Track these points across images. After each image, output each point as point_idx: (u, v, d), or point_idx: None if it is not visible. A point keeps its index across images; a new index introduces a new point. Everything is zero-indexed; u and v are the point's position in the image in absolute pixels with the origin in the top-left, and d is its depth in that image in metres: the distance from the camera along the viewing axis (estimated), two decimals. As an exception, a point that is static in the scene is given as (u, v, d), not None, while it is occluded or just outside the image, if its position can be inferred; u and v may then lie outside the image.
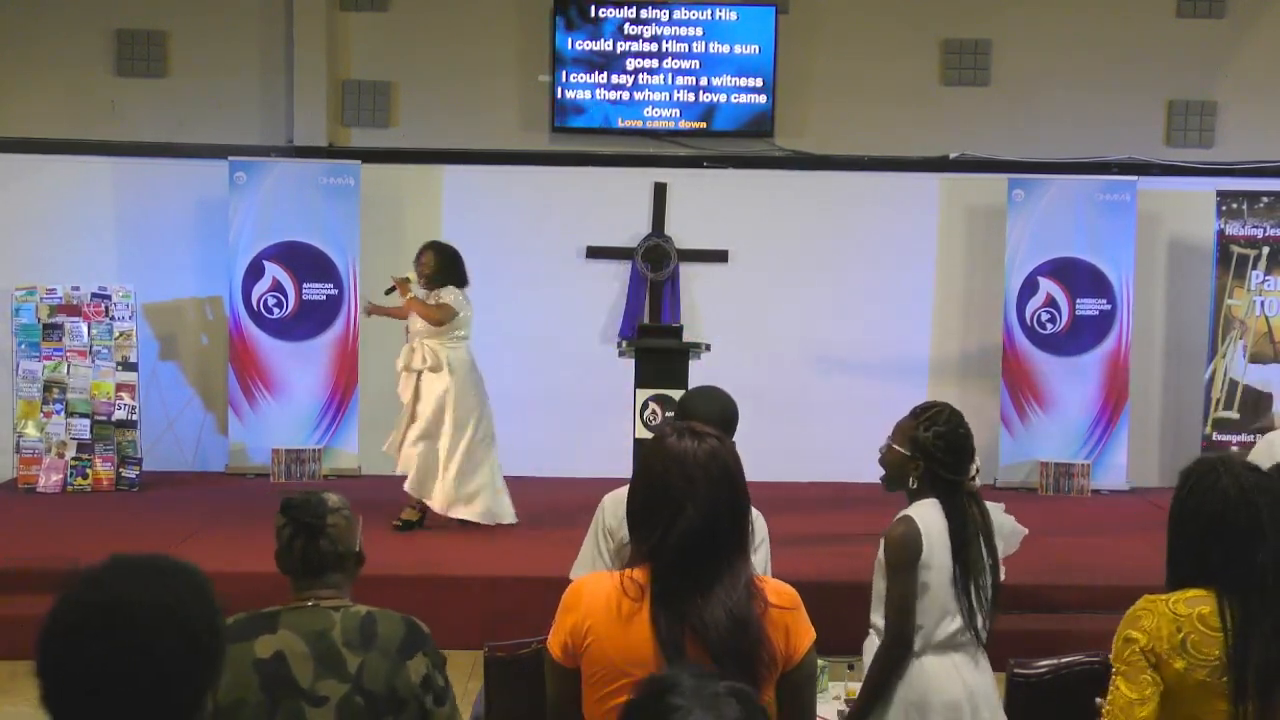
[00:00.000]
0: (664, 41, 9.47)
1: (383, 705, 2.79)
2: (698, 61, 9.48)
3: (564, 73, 9.48)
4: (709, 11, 9.45)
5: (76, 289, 9.01)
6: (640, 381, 6.99)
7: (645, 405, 6.93)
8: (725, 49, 9.46)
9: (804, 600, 2.62)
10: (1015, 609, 6.45)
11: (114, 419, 8.94)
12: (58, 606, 1.75)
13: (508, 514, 7.74)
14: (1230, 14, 9.60)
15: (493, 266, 9.57)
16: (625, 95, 9.52)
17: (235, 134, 9.52)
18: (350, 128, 9.67)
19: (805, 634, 2.58)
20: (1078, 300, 9.36)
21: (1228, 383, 9.25)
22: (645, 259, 9.56)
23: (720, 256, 9.67)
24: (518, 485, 9.15)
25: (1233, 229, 9.22)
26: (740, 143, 9.61)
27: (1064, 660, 3.78)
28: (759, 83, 9.47)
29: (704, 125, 9.55)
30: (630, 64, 9.48)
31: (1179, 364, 9.67)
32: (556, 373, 9.52)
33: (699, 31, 9.47)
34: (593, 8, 9.44)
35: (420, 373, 7.52)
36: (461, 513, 7.58)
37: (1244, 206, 9.21)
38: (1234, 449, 8.45)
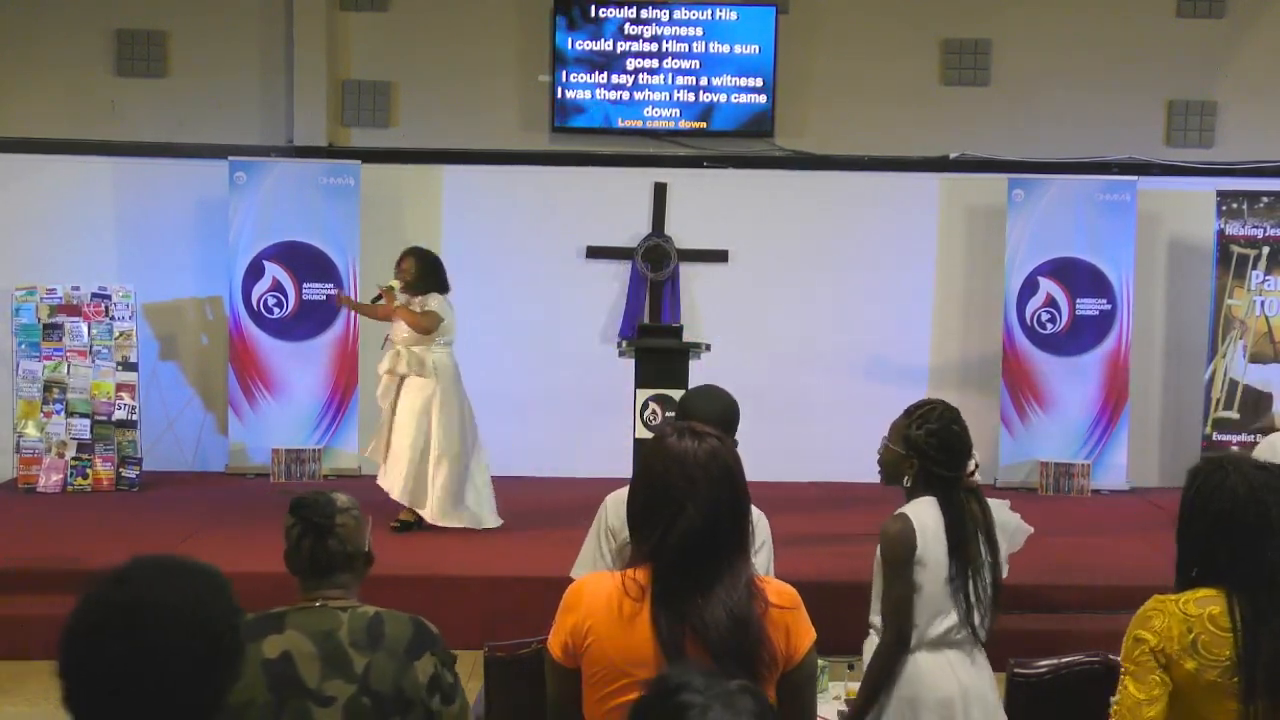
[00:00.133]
0: (664, 41, 9.48)
1: (390, 706, 2.79)
2: (698, 61, 9.48)
3: (564, 73, 9.48)
4: (709, 11, 9.45)
5: (76, 289, 9.01)
6: (640, 381, 6.99)
7: (645, 405, 6.93)
8: (725, 49, 9.46)
9: (804, 600, 2.62)
10: (1015, 609, 6.46)
11: (114, 419, 8.94)
12: (80, 607, 1.75)
13: (492, 519, 7.73)
14: (1230, 14, 9.60)
15: (493, 266, 9.59)
16: (625, 95, 9.52)
17: (235, 134, 9.52)
18: (350, 128, 9.67)
19: (805, 634, 2.58)
20: (1078, 300, 9.36)
21: (1228, 383, 9.25)
22: (645, 259, 9.56)
23: (720, 256, 9.67)
24: (518, 485, 9.17)
25: (1233, 229, 9.22)
26: (740, 143, 9.61)
27: (1064, 660, 3.78)
28: (759, 83, 9.47)
29: (704, 125, 9.55)
30: (630, 64, 9.48)
31: (1179, 364, 9.67)
32: (556, 373, 9.52)
33: (699, 31, 9.47)
34: (593, 8, 9.44)
35: (404, 378, 7.50)
36: (453, 521, 7.58)
37: (1244, 206, 9.21)
38: (1234, 449, 8.44)
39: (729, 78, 9.48)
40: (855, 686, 3.73)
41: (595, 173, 9.61)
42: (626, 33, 9.47)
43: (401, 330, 7.54)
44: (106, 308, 8.99)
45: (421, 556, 7.00)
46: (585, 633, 2.53)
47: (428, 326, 7.47)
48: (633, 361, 7.11)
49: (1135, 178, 9.40)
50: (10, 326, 8.98)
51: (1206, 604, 2.78)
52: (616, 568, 2.62)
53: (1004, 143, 9.59)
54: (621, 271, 9.63)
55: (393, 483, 7.50)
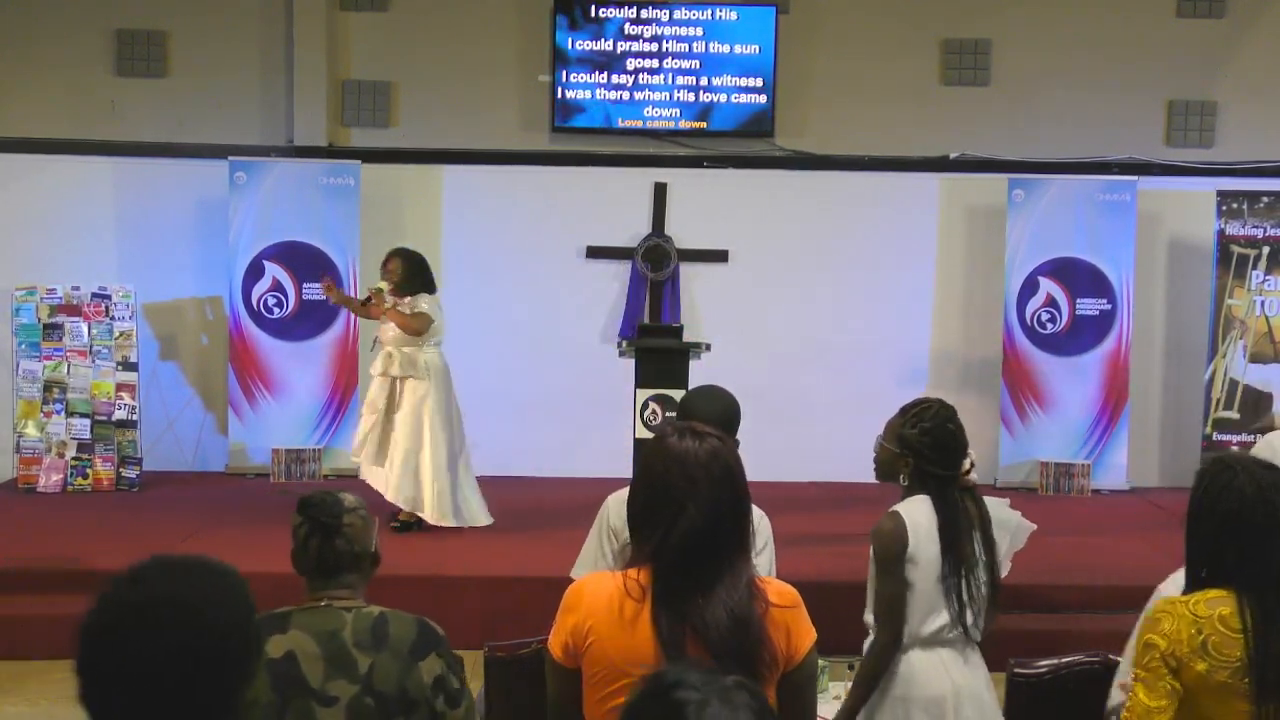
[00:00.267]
0: (664, 41, 9.48)
1: (394, 706, 2.78)
2: (698, 61, 9.48)
3: (564, 72, 9.48)
4: (709, 11, 9.45)
5: (76, 289, 9.01)
6: (640, 381, 7.00)
7: (645, 405, 6.93)
8: (725, 49, 9.46)
9: (804, 600, 2.62)
10: (1015, 609, 6.46)
11: (114, 419, 8.94)
12: (98, 605, 1.76)
13: (485, 516, 7.73)
14: (1230, 14, 9.60)
15: (493, 266, 9.60)
16: (625, 95, 9.52)
17: (235, 134, 9.52)
18: (350, 128, 9.67)
19: (806, 634, 2.58)
20: (1078, 300, 9.36)
21: (1228, 383, 9.25)
22: (645, 259, 9.57)
23: (720, 256, 9.67)
24: (518, 485, 9.17)
25: (1233, 229, 9.22)
26: (740, 143, 9.61)
27: (1064, 660, 3.78)
28: (759, 83, 9.47)
29: (704, 125, 9.55)
30: (630, 64, 9.48)
31: (1179, 364, 9.67)
32: (556, 373, 9.52)
33: (699, 31, 9.47)
34: (593, 8, 9.44)
35: (398, 380, 7.47)
36: (453, 521, 7.58)
37: (1244, 206, 9.21)
38: (1234, 449, 8.44)
39: (729, 78, 9.48)
40: (855, 686, 3.73)
41: (595, 173, 9.61)
42: (627, 33, 9.47)
43: (390, 331, 7.49)
44: (106, 308, 8.99)
45: (421, 556, 7.00)
46: (586, 633, 2.53)
47: (419, 328, 7.45)
48: (633, 361, 7.11)
49: (1135, 178, 9.40)
50: (10, 326, 8.98)
51: (1216, 605, 2.78)
52: (618, 568, 2.62)
53: (1004, 143, 9.59)
54: (621, 271, 9.63)
55: (394, 488, 7.47)
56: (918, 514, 3.48)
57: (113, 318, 8.99)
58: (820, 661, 3.33)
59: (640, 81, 9.51)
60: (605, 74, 9.49)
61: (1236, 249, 9.23)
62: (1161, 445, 9.64)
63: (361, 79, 9.64)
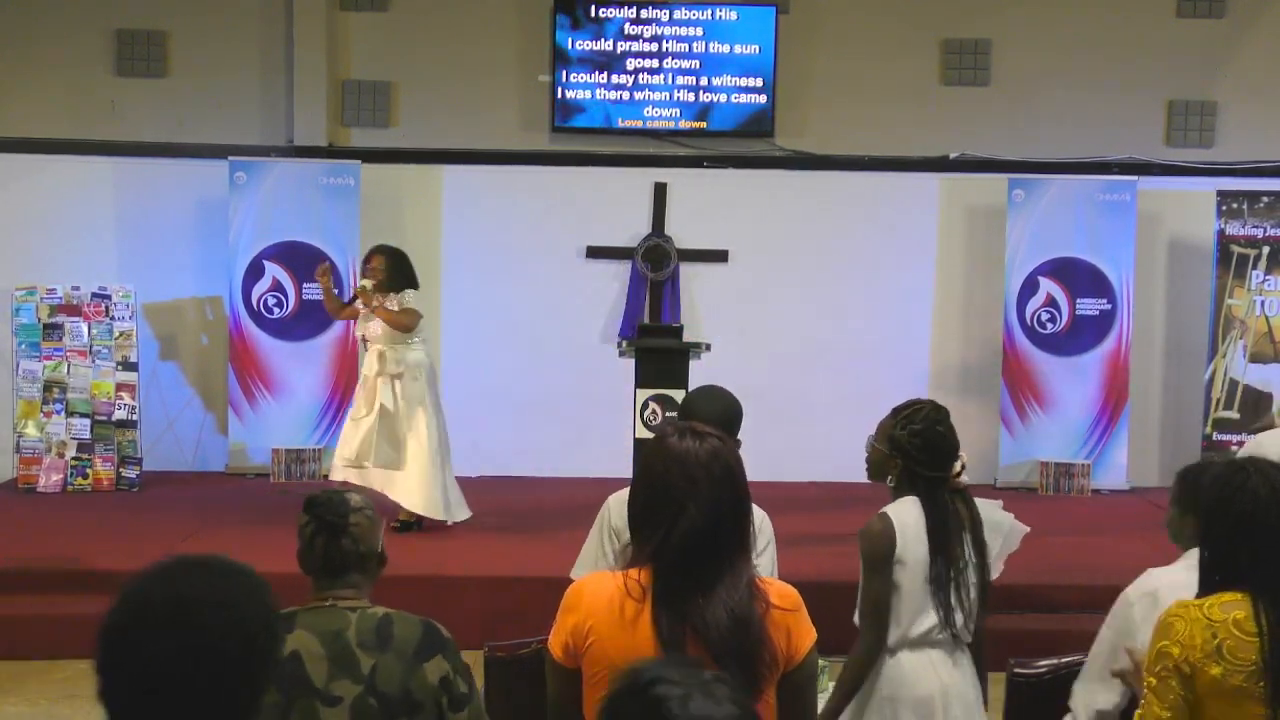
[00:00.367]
0: (664, 41, 9.48)
1: (397, 707, 2.78)
2: (698, 61, 9.48)
3: (564, 72, 9.48)
4: (709, 11, 9.45)
5: (76, 289, 9.01)
6: (640, 381, 6.99)
7: (645, 405, 6.93)
8: (725, 49, 9.46)
9: (804, 600, 2.62)
10: (1015, 609, 6.46)
11: (114, 419, 8.94)
12: (120, 603, 1.75)
13: (465, 510, 7.70)
14: (1230, 14, 9.60)
15: (493, 266, 9.60)
16: (625, 95, 9.52)
17: (235, 134, 9.52)
18: (350, 128, 9.67)
19: (806, 635, 2.58)
20: (1078, 300, 9.36)
21: (1228, 383, 9.25)
22: (645, 259, 9.57)
23: (720, 256, 9.67)
24: (518, 485, 9.18)
25: (1233, 229, 9.22)
26: (740, 143, 9.61)
27: (1064, 660, 3.77)
28: (759, 83, 9.47)
29: (704, 125, 9.55)
30: (630, 64, 9.48)
31: (1179, 364, 9.67)
32: (556, 373, 9.52)
33: (699, 31, 9.47)
34: (593, 8, 9.44)
35: (392, 379, 7.39)
36: (459, 516, 7.58)
37: (1244, 206, 9.21)
38: (1234, 449, 8.44)
39: (729, 78, 9.48)
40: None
41: (595, 173, 9.61)
42: (627, 33, 9.47)
43: (376, 330, 7.40)
44: (106, 308, 8.99)
45: (421, 556, 7.00)
46: (586, 633, 2.53)
47: (409, 325, 7.39)
48: (633, 361, 7.10)
49: (1135, 178, 9.40)
50: (10, 326, 8.98)
51: (1231, 608, 2.77)
52: (620, 568, 2.62)
53: (1004, 143, 9.59)
54: (621, 271, 9.63)
55: (416, 493, 7.43)
56: (906, 515, 3.48)
57: (113, 318, 8.99)
58: (820, 661, 3.33)
59: (640, 81, 9.51)
60: (605, 74, 9.49)
61: (1236, 249, 9.23)
62: (1161, 445, 9.64)
63: (361, 79, 9.64)
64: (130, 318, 9.02)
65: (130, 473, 8.93)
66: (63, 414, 8.90)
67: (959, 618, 3.46)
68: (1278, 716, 2.72)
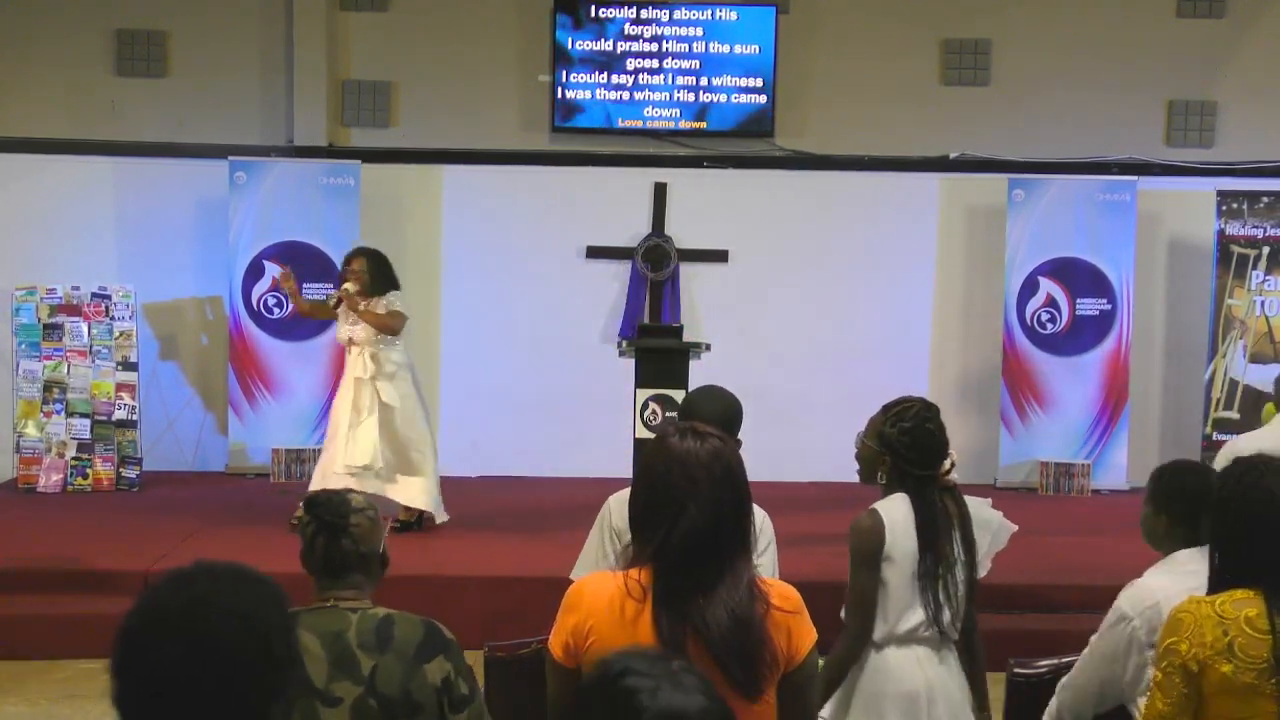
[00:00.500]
0: (664, 41, 9.48)
1: (397, 709, 2.78)
2: (698, 61, 9.48)
3: (564, 72, 9.48)
4: (709, 11, 9.45)
5: (76, 289, 9.01)
6: (640, 381, 6.99)
7: (645, 405, 6.92)
8: (725, 49, 9.46)
9: (805, 600, 2.62)
10: (1015, 609, 6.47)
11: (114, 419, 8.94)
12: (141, 606, 1.74)
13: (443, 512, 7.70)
14: (1230, 14, 9.60)
15: (493, 266, 9.60)
16: (625, 95, 9.52)
17: (235, 134, 9.52)
18: (350, 128, 9.67)
19: (807, 636, 2.58)
20: (1078, 300, 9.36)
21: (1228, 383, 9.24)
22: (645, 259, 9.57)
23: (720, 256, 9.67)
24: (518, 485, 9.18)
25: (1233, 229, 9.22)
26: (740, 143, 9.61)
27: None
28: (759, 83, 9.47)
29: (704, 125, 9.55)
30: (631, 64, 9.48)
31: (1179, 364, 9.67)
32: (556, 373, 9.52)
33: (699, 31, 9.47)
34: (593, 8, 9.44)
35: (387, 380, 7.34)
36: (444, 515, 7.57)
37: (1244, 206, 9.21)
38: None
39: (729, 78, 9.48)
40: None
41: (595, 173, 9.61)
42: (627, 33, 9.47)
43: (360, 332, 7.33)
44: (106, 308, 8.99)
45: (421, 556, 6.99)
46: (587, 633, 2.52)
47: (396, 327, 7.34)
48: (633, 361, 7.10)
49: (1135, 178, 9.40)
50: (10, 326, 8.98)
51: (1243, 606, 2.78)
52: (621, 568, 2.62)
53: (1004, 143, 9.59)
54: (621, 271, 9.63)
55: (425, 493, 7.43)
56: (895, 512, 3.49)
57: (113, 318, 8.99)
58: (820, 661, 3.34)
59: (640, 81, 9.51)
60: (605, 74, 9.49)
61: (1236, 249, 9.23)
62: (1161, 445, 9.63)
63: (361, 79, 9.64)
64: (130, 318, 9.02)
65: (130, 473, 8.93)
66: (63, 414, 8.90)
67: (946, 615, 3.46)
68: None
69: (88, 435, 8.90)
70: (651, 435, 6.25)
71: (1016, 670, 3.80)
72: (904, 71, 9.62)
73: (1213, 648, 2.74)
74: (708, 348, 7.18)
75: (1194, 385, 9.42)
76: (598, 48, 9.49)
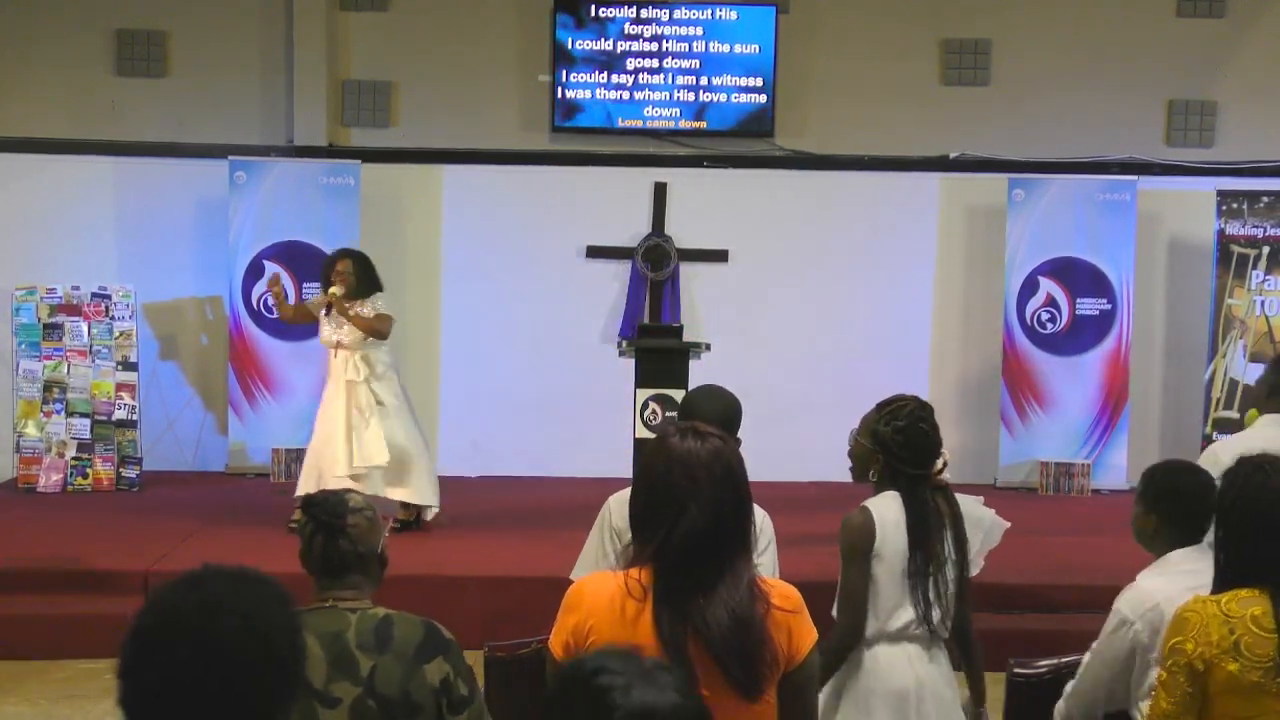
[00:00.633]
0: (664, 41, 9.48)
1: (396, 709, 2.77)
2: (698, 61, 9.48)
3: (564, 72, 9.48)
4: (709, 11, 9.45)
5: (76, 289, 9.01)
6: (640, 381, 6.99)
7: (645, 405, 6.92)
8: (725, 49, 9.46)
9: (805, 600, 2.62)
10: (1015, 609, 6.47)
11: (114, 419, 8.94)
12: (145, 609, 1.73)
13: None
14: (1230, 14, 9.60)
15: (493, 266, 9.60)
16: (625, 95, 9.52)
17: (235, 134, 9.52)
18: (350, 128, 9.67)
19: (808, 635, 2.58)
20: (1078, 300, 9.36)
21: (1228, 382, 9.24)
22: (645, 259, 9.57)
23: (720, 256, 9.67)
24: (518, 485, 9.18)
25: (1233, 229, 9.22)
26: (740, 142, 9.61)
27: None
28: (759, 82, 9.47)
29: (704, 125, 9.55)
30: (631, 63, 9.49)
31: (1179, 364, 9.67)
32: (556, 373, 9.52)
33: (699, 31, 9.47)
34: (593, 7, 9.44)
35: (380, 381, 7.31)
36: (436, 506, 7.58)
37: (1244, 206, 9.21)
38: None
39: (729, 77, 9.48)
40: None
41: (595, 173, 9.61)
42: (627, 32, 9.47)
43: (348, 335, 7.27)
44: (106, 308, 8.99)
45: (421, 556, 6.99)
46: (587, 632, 2.52)
47: (385, 331, 7.31)
48: (633, 361, 7.10)
49: (1135, 178, 9.40)
50: (10, 326, 8.98)
51: (1248, 604, 2.78)
52: (621, 568, 2.62)
53: (1004, 143, 9.59)
54: (621, 271, 9.63)
55: (419, 490, 7.42)
56: (887, 510, 3.50)
57: (113, 318, 9.00)
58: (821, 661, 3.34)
59: (640, 81, 9.51)
60: (605, 74, 9.49)
61: (1236, 249, 9.23)
62: (1161, 445, 9.63)
63: (361, 79, 9.64)
64: (130, 318, 9.03)
65: (130, 473, 8.93)
66: (63, 414, 8.90)
67: (936, 613, 3.47)
68: None
69: (88, 435, 8.90)
70: (651, 435, 6.25)
71: (1016, 670, 3.80)
72: (904, 71, 9.62)
73: (1219, 646, 2.75)
74: (708, 348, 7.18)
75: (1194, 385, 9.42)
76: (598, 47, 9.49)
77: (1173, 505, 3.37)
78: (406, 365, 9.48)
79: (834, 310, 9.64)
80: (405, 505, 7.52)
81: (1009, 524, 3.72)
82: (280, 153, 9.51)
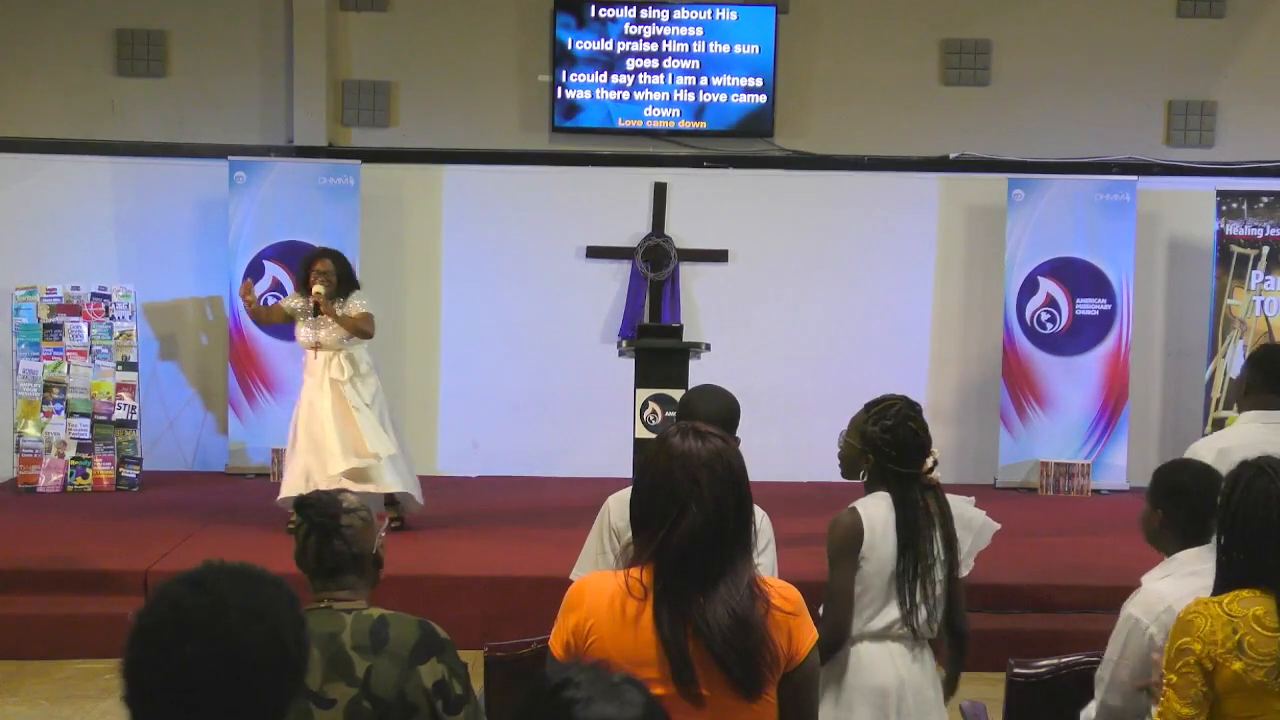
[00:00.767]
0: (664, 41, 9.48)
1: (392, 710, 2.77)
2: (698, 61, 9.49)
3: (564, 72, 9.48)
4: (709, 11, 9.45)
5: (76, 289, 9.01)
6: (640, 381, 6.99)
7: (645, 405, 6.92)
8: (725, 49, 9.46)
9: (805, 599, 2.63)
10: (1015, 609, 6.47)
11: (114, 419, 8.94)
12: (151, 608, 1.73)
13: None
14: (1230, 14, 9.60)
15: (493, 266, 9.60)
16: (625, 95, 9.52)
17: (235, 134, 9.52)
18: (350, 128, 9.67)
19: (808, 635, 2.58)
20: (1078, 300, 9.36)
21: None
22: (645, 259, 9.57)
23: (720, 256, 9.67)
24: (518, 485, 9.17)
25: (1233, 229, 9.22)
26: (740, 142, 9.61)
27: (1064, 660, 3.78)
28: (759, 83, 9.47)
29: (704, 125, 9.55)
30: (631, 64, 9.49)
31: (1179, 364, 9.67)
32: (556, 373, 9.52)
33: (699, 31, 9.47)
34: (593, 8, 9.44)
35: (357, 381, 7.27)
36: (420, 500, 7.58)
37: (1244, 206, 9.21)
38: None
39: (729, 78, 9.48)
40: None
41: (595, 173, 9.61)
42: (627, 33, 9.47)
43: (331, 334, 7.24)
44: (106, 308, 8.99)
45: (421, 556, 6.99)
46: (587, 632, 2.52)
47: (370, 330, 7.29)
48: (633, 361, 7.10)
49: (1135, 178, 9.40)
50: (10, 326, 8.98)
51: (1250, 604, 2.80)
52: (620, 568, 2.62)
53: (1004, 143, 9.59)
54: (621, 271, 9.63)
55: (404, 482, 7.43)
56: (875, 511, 3.50)
57: (113, 318, 8.99)
58: (821, 661, 3.34)
59: (640, 81, 9.51)
60: (605, 74, 9.49)
61: (1236, 249, 9.23)
62: (1161, 445, 9.63)
63: (361, 79, 9.64)
64: (130, 318, 9.03)
65: (130, 473, 8.93)
66: (63, 414, 8.90)
67: (922, 614, 3.47)
68: None
69: (88, 435, 8.90)
70: (651, 435, 6.26)
71: (1016, 670, 3.80)
72: (904, 71, 9.62)
73: (1223, 646, 2.77)
74: (707, 348, 7.18)
75: (1194, 385, 9.41)
76: (599, 47, 9.49)
77: (1178, 503, 3.37)
78: (406, 365, 9.52)
79: (834, 310, 9.64)
80: (389, 503, 7.48)
81: (999, 525, 3.71)
82: (280, 153, 9.51)
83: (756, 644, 2.48)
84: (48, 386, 8.92)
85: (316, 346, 7.30)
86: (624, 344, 7.34)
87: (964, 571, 3.59)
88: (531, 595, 6.15)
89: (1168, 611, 3.19)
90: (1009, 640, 5.74)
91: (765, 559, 3.71)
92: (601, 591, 2.55)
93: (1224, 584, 2.89)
